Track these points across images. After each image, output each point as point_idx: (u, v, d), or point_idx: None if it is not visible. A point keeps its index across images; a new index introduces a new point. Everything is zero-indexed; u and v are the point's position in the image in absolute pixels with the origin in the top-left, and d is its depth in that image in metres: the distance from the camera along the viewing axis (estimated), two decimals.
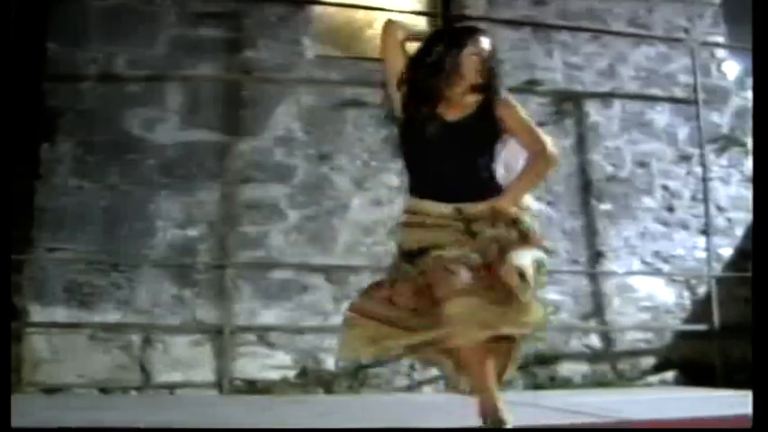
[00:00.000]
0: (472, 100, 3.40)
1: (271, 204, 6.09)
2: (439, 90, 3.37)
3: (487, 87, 3.39)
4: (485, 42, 3.41)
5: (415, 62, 3.44)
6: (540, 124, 6.51)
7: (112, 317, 5.65)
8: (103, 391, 5.50)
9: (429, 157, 3.41)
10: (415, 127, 3.42)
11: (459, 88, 3.37)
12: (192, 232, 5.93)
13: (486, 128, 3.38)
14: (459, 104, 3.39)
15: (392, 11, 6.92)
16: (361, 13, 6.93)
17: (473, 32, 3.48)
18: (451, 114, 3.38)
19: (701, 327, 6.68)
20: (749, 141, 7.30)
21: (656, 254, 6.86)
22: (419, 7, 7.17)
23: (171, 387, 5.64)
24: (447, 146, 3.35)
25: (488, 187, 3.35)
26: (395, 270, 3.40)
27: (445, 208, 3.30)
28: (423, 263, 3.23)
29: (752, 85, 5.32)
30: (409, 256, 3.31)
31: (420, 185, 3.44)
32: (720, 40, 7.51)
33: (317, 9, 6.75)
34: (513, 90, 6.51)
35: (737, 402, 5.07)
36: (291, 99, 6.32)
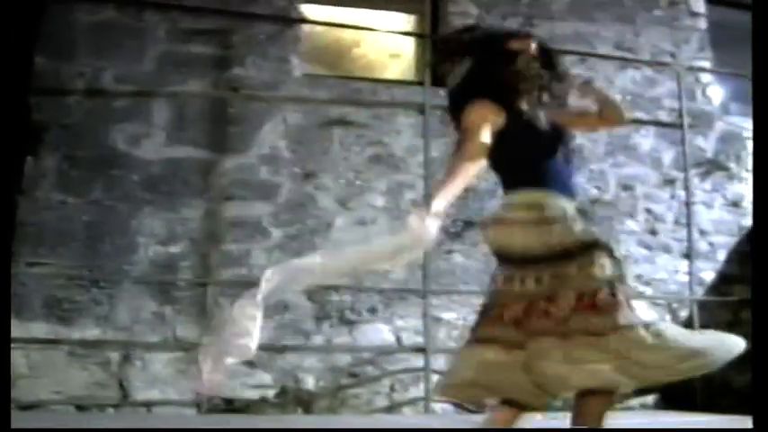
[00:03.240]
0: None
1: (254, 222, 6.10)
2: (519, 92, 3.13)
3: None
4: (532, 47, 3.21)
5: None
6: None
7: (92, 333, 5.64)
8: (80, 408, 5.49)
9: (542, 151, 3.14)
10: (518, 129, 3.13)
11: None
12: (175, 249, 5.93)
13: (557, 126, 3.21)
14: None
15: (381, 31, 6.97)
16: (349, 33, 6.96)
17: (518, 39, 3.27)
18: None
19: None
20: (733, 166, 7.34)
21: (639, 277, 6.87)
22: (408, 28, 7.20)
23: (149, 405, 5.62)
24: (552, 141, 3.15)
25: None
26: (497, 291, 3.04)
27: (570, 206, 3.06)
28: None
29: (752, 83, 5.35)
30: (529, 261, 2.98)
31: (539, 177, 3.10)
32: (706, 65, 7.55)
33: (306, 28, 6.78)
34: None
35: (719, 427, 5.12)
36: (278, 117, 6.33)
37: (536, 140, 3.15)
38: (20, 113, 5.73)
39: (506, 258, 3.05)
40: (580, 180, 6.85)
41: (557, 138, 3.18)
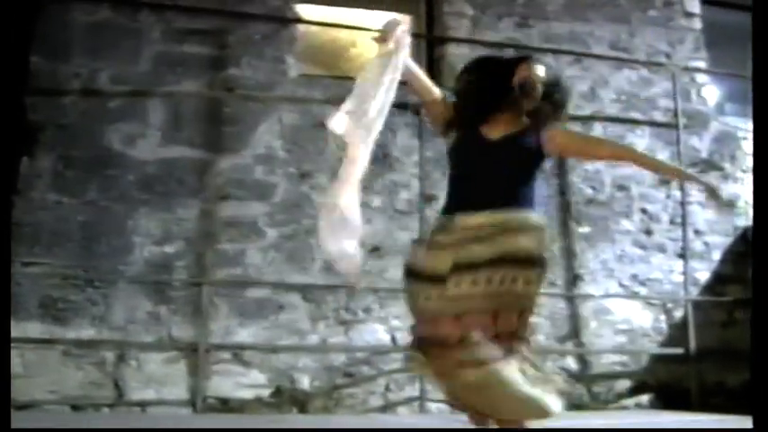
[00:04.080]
0: (519, 120, 3.50)
1: (249, 222, 6.11)
2: (483, 113, 3.49)
3: (538, 113, 3.49)
4: (536, 69, 3.48)
5: (464, 92, 3.61)
6: None
7: (87, 333, 5.64)
8: (75, 407, 5.49)
9: (467, 174, 3.48)
10: (457, 150, 3.54)
11: (507, 113, 3.48)
12: (170, 249, 5.93)
13: (527, 147, 3.44)
14: (505, 124, 3.47)
15: (376, 31, 6.96)
16: (344, 33, 6.97)
17: (522, 60, 3.56)
18: (495, 133, 3.46)
19: (678, 350, 6.70)
20: (728, 166, 7.36)
21: (634, 277, 6.89)
22: None
23: (144, 405, 5.62)
24: (485, 161, 3.43)
25: (521, 201, 3.38)
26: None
27: (477, 218, 3.32)
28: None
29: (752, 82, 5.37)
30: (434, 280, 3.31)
31: (453, 202, 3.50)
32: (701, 65, 7.56)
33: (301, 28, 6.79)
34: None
35: (713, 426, 5.13)
36: (273, 117, 6.34)
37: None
38: (16, 114, 5.73)
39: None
40: (575, 180, 6.89)
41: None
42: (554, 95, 3.49)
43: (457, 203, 3.45)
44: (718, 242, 7.19)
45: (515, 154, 3.42)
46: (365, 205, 6.21)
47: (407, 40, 3.39)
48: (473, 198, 3.38)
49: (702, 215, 7.20)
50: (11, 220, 5.58)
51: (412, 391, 6.09)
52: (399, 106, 6.48)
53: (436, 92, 3.66)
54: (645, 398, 6.62)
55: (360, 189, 3.23)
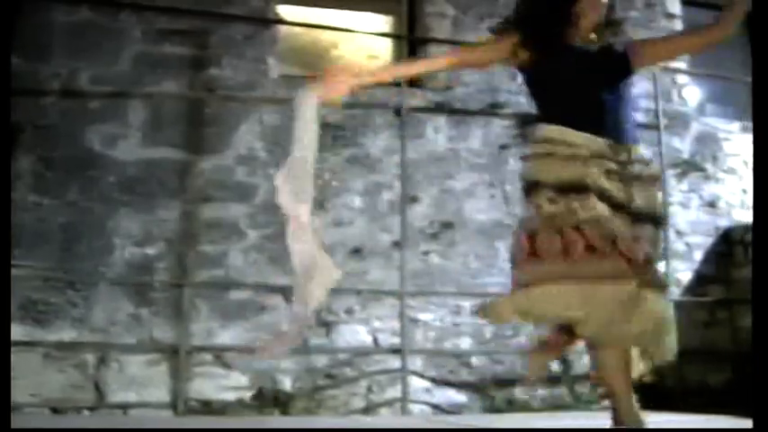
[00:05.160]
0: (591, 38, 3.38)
1: (231, 223, 6.08)
2: (562, 32, 3.33)
3: (609, 26, 3.41)
4: None
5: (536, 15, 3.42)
6: (504, 147, 6.69)
7: (68, 335, 5.61)
8: (56, 410, 5.46)
9: (574, 85, 3.28)
10: (549, 65, 3.33)
11: (580, 30, 3.35)
12: (151, 250, 5.91)
13: (614, 64, 3.33)
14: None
15: (357, 32, 6.97)
16: (326, 34, 6.96)
17: None
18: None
19: None
20: (709, 167, 7.38)
21: None
22: (384, 29, 7.21)
23: (125, 407, 5.59)
24: (589, 75, 3.27)
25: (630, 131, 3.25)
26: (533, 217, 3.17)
27: (599, 143, 3.15)
28: (582, 204, 3.06)
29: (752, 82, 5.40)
30: (555, 190, 3.11)
31: (563, 114, 3.25)
32: (682, 66, 7.58)
33: (283, 29, 6.77)
34: (476, 113, 6.71)
35: (696, 426, 5.15)
36: (254, 118, 6.32)
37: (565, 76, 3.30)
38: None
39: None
40: None
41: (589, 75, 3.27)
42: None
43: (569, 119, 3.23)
44: (700, 243, 7.21)
45: (613, 68, 3.32)
46: (346, 206, 6.29)
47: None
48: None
49: (684, 216, 7.22)
50: (10, 221, 5.55)
51: (394, 392, 6.08)
52: (381, 106, 6.53)
53: (466, 54, 3.69)
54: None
55: (313, 233, 3.18)
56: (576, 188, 3.08)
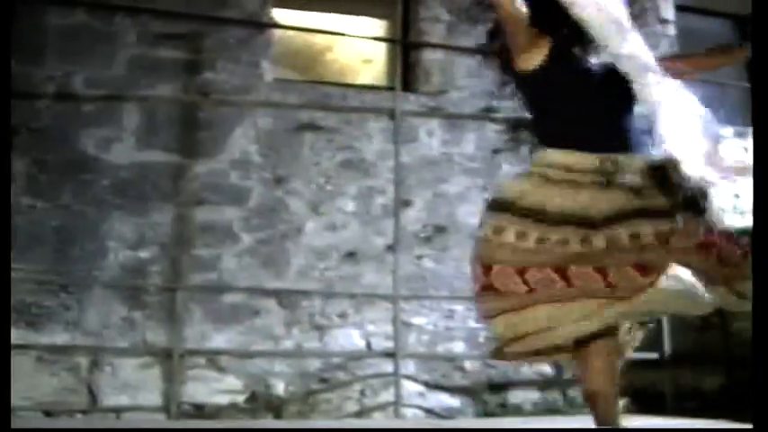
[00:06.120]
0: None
1: (224, 227, 6.08)
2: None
3: None
4: None
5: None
6: (496, 151, 6.70)
7: (61, 338, 5.61)
8: (48, 414, 5.45)
9: (581, 103, 3.04)
10: (562, 72, 3.06)
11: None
12: (144, 254, 5.90)
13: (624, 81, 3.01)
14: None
15: (352, 36, 6.98)
16: (321, 38, 6.96)
17: None
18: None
19: (653, 355, 6.73)
20: None
21: None
22: (379, 33, 7.21)
23: (118, 411, 5.59)
24: (601, 91, 3.04)
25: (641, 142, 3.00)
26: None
27: (593, 159, 2.90)
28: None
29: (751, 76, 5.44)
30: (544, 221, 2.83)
31: (560, 135, 3.02)
32: None
33: (277, 32, 6.77)
34: (470, 117, 6.72)
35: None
36: (249, 122, 6.32)
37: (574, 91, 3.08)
38: None
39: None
40: None
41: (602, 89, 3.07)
42: None
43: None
44: None
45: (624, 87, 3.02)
46: (340, 210, 6.30)
47: None
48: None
49: None
50: (10, 223, 5.54)
51: (387, 396, 6.09)
52: (375, 110, 6.54)
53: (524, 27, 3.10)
54: (620, 402, 6.62)
55: None
56: (578, 221, 2.85)
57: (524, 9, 2.99)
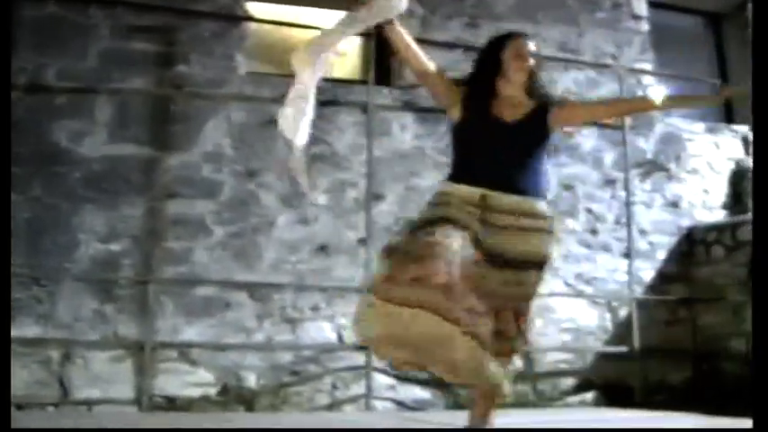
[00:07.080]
0: (528, 102, 3.72)
1: (196, 220, 6.09)
2: (491, 88, 3.71)
3: (536, 89, 3.77)
4: (526, 43, 3.78)
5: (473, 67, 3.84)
6: None
7: (32, 331, 5.60)
8: (20, 407, 5.43)
9: (477, 150, 3.69)
10: (470, 124, 3.72)
11: (509, 87, 3.71)
12: (116, 247, 5.90)
13: (537, 130, 3.67)
14: (515, 105, 3.69)
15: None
16: (294, 31, 6.96)
17: (514, 36, 3.84)
18: (509, 115, 3.66)
19: (622, 349, 6.81)
20: (672, 167, 7.47)
21: (579, 276, 6.96)
22: None
23: (89, 403, 5.59)
24: (499, 143, 3.63)
25: (532, 187, 3.62)
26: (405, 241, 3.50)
27: (473, 192, 3.55)
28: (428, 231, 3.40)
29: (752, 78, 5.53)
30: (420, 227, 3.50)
31: (458, 172, 3.70)
32: (647, 67, 7.66)
33: (252, 26, 6.78)
34: (442, 111, 6.71)
35: (656, 422, 5.23)
36: (222, 115, 6.33)
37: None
38: None
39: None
40: None
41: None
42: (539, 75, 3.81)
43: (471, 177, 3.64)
44: (663, 242, 7.29)
45: (530, 137, 3.67)
46: (312, 204, 6.31)
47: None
48: (490, 176, 3.59)
49: (647, 215, 7.30)
50: (10, 223, 5.53)
51: (358, 389, 6.12)
52: (347, 104, 6.56)
53: (431, 65, 3.80)
54: (589, 395, 6.70)
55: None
56: (440, 221, 3.46)
57: (433, 67, 3.81)
